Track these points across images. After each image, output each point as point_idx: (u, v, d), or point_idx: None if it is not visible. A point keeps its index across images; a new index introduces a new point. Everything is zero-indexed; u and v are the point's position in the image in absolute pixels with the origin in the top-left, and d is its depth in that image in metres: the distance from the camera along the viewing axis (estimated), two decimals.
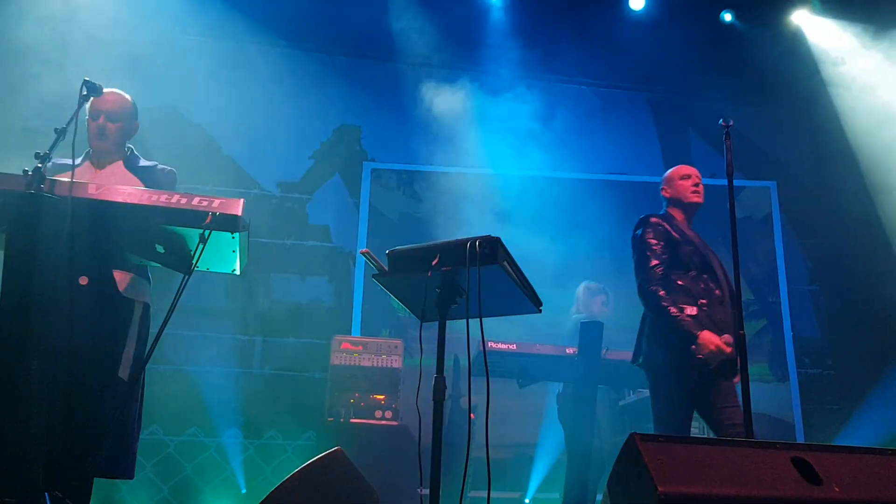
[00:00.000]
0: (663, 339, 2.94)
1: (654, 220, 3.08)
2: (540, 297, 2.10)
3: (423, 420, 1.96)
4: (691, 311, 2.88)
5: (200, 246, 2.13)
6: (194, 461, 4.84)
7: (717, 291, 2.96)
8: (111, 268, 2.36)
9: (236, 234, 2.18)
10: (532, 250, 4.62)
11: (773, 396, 5.49)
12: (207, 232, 2.11)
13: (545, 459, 4.81)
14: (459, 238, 1.95)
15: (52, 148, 2.15)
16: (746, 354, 2.68)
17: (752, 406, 2.49)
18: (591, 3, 5.59)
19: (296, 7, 5.31)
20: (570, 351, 3.81)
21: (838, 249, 5.81)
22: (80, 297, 2.15)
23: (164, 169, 2.78)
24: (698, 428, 3.81)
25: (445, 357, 2.00)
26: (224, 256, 2.32)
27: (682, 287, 2.95)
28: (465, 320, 1.95)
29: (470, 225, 5.05)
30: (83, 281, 2.15)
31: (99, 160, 2.74)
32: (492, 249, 1.90)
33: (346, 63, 5.83)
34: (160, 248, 2.27)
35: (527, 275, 2.04)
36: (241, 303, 5.32)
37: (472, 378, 2.00)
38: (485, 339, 1.91)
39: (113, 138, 2.71)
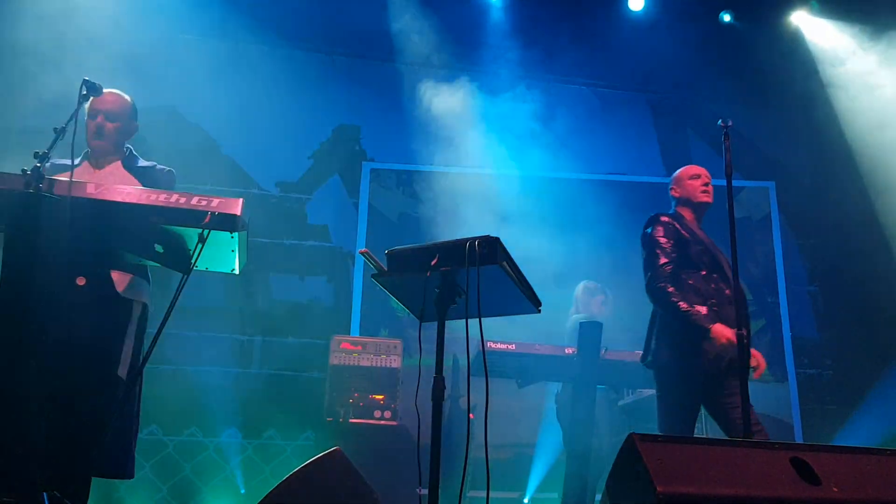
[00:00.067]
0: (671, 337, 2.93)
1: (664, 218, 3.08)
2: (539, 297, 2.10)
3: (422, 420, 1.96)
4: (702, 309, 2.87)
5: (199, 245, 2.13)
6: (193, 461, 4.84)
7: (727, 291, 2.96)
8: (110, 267, 2.36)
9: (235, 234, 2.18)
10: (531, 250, 4.62)
11: (772, 396, 5.49)
12: (206, 231, 2.11)
13: (544, 459, 4.81)
14: (458, 238, 1.95)
15: (50, 147, 2.15)
16: (745, 354, 2.68)
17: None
18: (590, 3, 5.60)
19: (295, 7, 5.31)
20: (569, 351, 3.81)
21: (837, 250, 5.81)
22: (79, 297, 2.15)
23: (162, 169, 2.78)
24: (698, 428, 3.81)
25: (444, 357, 2.00)
26: (223, 256, 2.32)
27: (692, 286, 2.94)
28: (464, 320, 1.95)
29: (469, 225, 5.05)
30: (80, 281, 2.15)
31: (97, 160, 2.73)
32: (491, 249, 1.90)
33: (345, 63, 5.83)
34: (159, 248, 2.27)
35: (526, 275, 2.04)
36: (240, 302, 5.32)
37: (471, 378, 2.00)
38: (484, 339, 1.91)
39: (111, 138, 2.70)
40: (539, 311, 2.12)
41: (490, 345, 3.62)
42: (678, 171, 3.26)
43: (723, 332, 2.78)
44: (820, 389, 5.71)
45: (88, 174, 2.69)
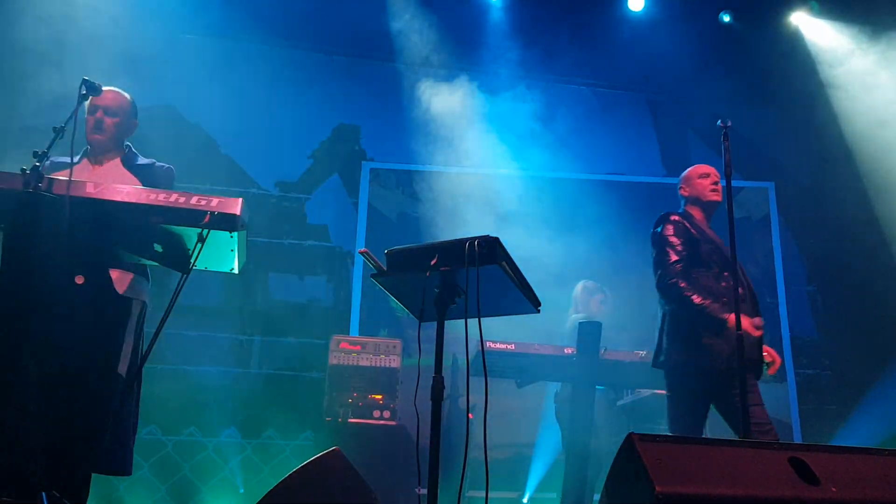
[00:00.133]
0: (683, 337, 2.92)
1: (673, 217, 3.08)
2: (539, 297, 2.10)
3: (421, 420, 1.96)
4: (715, 303, 2.85)
5: (199, 245, 2.13)
6: (192, 461, 4.83)
7: (739, 290, 2.96)
8: (109, 266, 2.36)
9: (234, 234, 2.18)
10: (531, 250, 4.62)
11: (771, 397, 5.45)
12: (206, 231, 2.11)
13: (543, 459, 4.81)
14: (458, 238, 1.95)
15: (50, 147, 2.15)
16: (744, 354, 2.69)
17: None
18: (590, 3, 5.60)
19: (295, 7, 5.31)
20: (568, 351, 3.81)
21: (836, 250, 5.81)
22: (78, 296, 2.15)
23: (162, 166, 2.78)
24: None
25: (444, 357, 2.00)
26: (222, 255, 2.32)
27: (703, 285, 2.93)
28: (463, 320, 1.95)
29: (468, 225, 5.05)
30: (80, 280, 2.15)
31: (97, 156, 2.74)
32: (490, 249, 1.90)
33: (345, 62, 5.83)
34: (158, 248, 2.27)
35: (525, 275, 2.04)
36: (240, 302, 5.32)
37: (470, 378, 2.00)
38: (483, 339, 1.91)
39: (110, 132, 2.71)
40: (538, 311, 2.12)
41: (489, 345, 3.62)
42: (687, 170, 3.26)
43: (741, 320, 2.76)
44: (819, 389, 5.71)
45: (88, 171, 2.69)
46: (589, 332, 3.70)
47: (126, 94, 2.79)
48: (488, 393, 1.88)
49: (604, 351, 3.73)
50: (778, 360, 3.02)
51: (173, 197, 2.16)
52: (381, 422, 4.05)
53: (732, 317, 2.76)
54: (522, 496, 4.82)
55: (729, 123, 2.84)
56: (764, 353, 2.99)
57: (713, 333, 2.81)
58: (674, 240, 2.99)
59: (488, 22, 5.61)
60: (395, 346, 4.26)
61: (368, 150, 5.85)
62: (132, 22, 4.78)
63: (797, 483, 1.61)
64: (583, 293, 4.62)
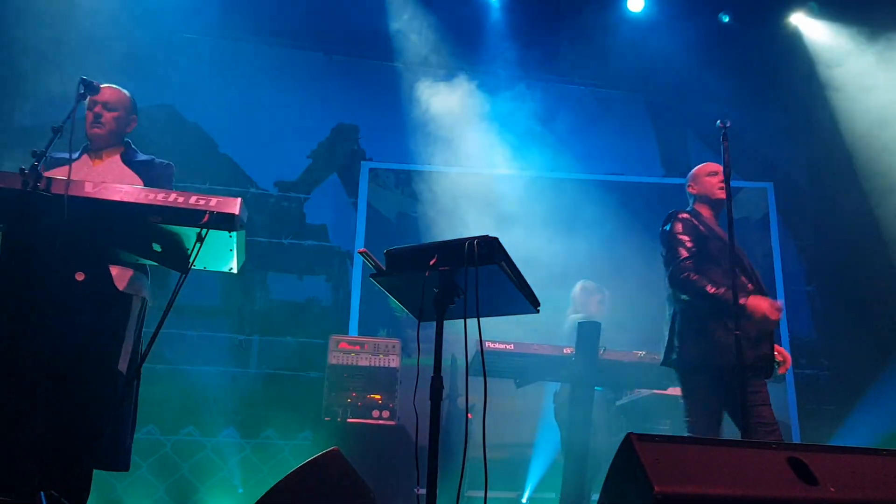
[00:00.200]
0: (695, 334, 2.91)
1: (682, 215, 3.09)
2: (538, 297, 2.10)
3: (420, 420, 1.96)
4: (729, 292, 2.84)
5: (197, 245, 2.13)
6: (191, 461, 4.83)
7: (749, 286, 2.96)
8: (108, 263, 2.36)
9: (233, 233, 2.18)
10: (530, 250, 4.62)
11: (770, 397, 5.49)
12: (205, 231, 2.11)
13: (542, 459, 4.81)
14: (457, 238, 1.95)
15: (48, 146, 2.16)
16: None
17: None
18: (589, 4, 5.60)
19: (294, 6, 5.31)
20: (567, 351, 3.81)
21: (835, 250, 5.82)
22: (78, 293, 2.15)
23: (161, 162, 2.79)
24: None
25: (443, 357, 2.00)
26: (221, 255, 2.32)
27: (714, 281, 2.93)
28: (462, 320, 1.95)
29: (468, 225, 5.05)
30: (80, 277, 2.14)
31: (96, 152, 2.75)
32: (489, 249, 1.90)
33: (344, 62, 5.83)
34: (157, 247, 2.27)
35: (524, 275, 2.04)
36: (238, 302, 5.32)
37: (469, 378, 2.00)
38: (482, 338, 1.91)
39: (109, 126, 2.72)
40: (538, 311, 2.12)
41: (488, 345, 3.62)
42: (695, 169, 3.26)
43: (758, 304, 2.75)
44: (817, 390, 5.71)
45: (87, 167, 2.70)
46: (588, 332, 3.71)
47: (125, 91, 2.81)
48: (487, 393, 1.88)
49: (603, 351, 3.73)
50: (789, 359, 3.02)
51: (172, 196, 2.16)
52: (380, 422, 4.05)
53: (751, 299, 2.76)
54: (521, 496, 4.82)
55: (728, 124, 2.85)
56: (775, 353, 2.99)
57: (725, 330, 2.80)
58: (683, 237, 3.00)
59: (487, 22, 5.61)
60: (394, 346, 4.26)
61: (367, 149, 5.85)
62: (131, 21, 4.78)
63: (796, 483, 1.61)
64: (582, 293, 4.62)
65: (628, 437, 1.63)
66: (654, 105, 6.24)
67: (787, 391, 5.59)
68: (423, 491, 1.90)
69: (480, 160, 5.51)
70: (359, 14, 5.39)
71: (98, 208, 2.13)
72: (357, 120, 5.84)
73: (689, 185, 3.25)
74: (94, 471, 2.31)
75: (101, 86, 2.53)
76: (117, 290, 2.41)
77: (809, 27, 5.61)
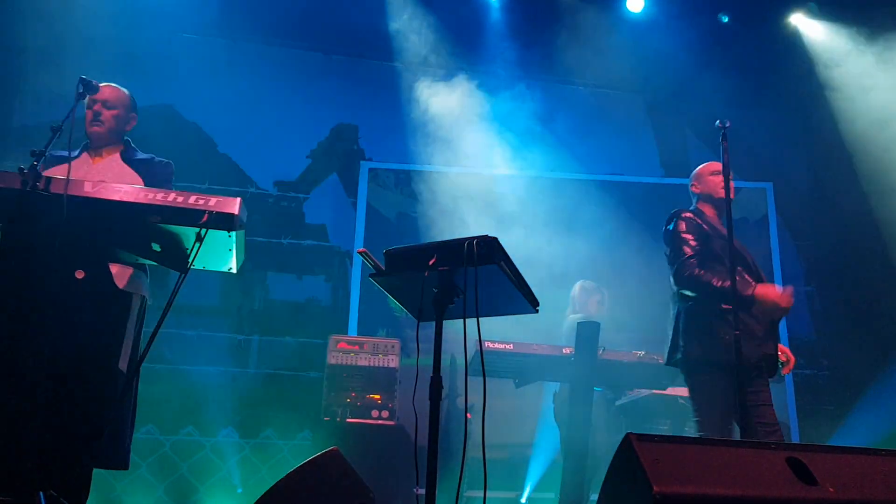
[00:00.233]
0: (700, 333, 2.90)
1: (685, 214, 3.09)
2: (538, 297, 2.10)
3: (419, 420, 1.96)
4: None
5: (197, 244, 2.13)
6: (190, 460, 4.83)
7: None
8: (108, 262, 2.36)
9: (233, 233, 2.18)
10: (530, 250, 4.62)
11: (772, 397, 5.50)
12: (204, 230, 2.11)
13: (541, 459, 4.81)
14: (457, 238, 1.95)
15: (48, 146, 2.16)
16: (742, 354, 2.68)
17: None
18: (589, 4, 5.60)
19: (293, 6, 5.31)
20: (566, 351, 3.81)
21: (834, 250, 5.82)
22: (77, 292, 2.15)
23: (161, 161, 2.80)
24: None
25: (442, 357, 2.00)
26: (220, 255, 2.32)
27: (719, 276, 2.93)
28: (462, 320, 1.95)
29: (467, 225, 5.05)
30: (80, 275, 2.14)
31: (96, 150, 2.75)
32: (489, 249, 1.90)
33: (343, 62, 5.83)
34: (156, 247, 2.27)
35: (524, 275, 2.04)
36: (238, 302, 5.33)
37: (468, 378, 2.00)
38: (482, 338, 1.91)
39: (108, 124, 2.73)
40: (537, 311, 2.12)
41: (488, 345, 3.62)
42: (699, 168, 3.27)
43: (767, 292, 2.75)
44: (816, 390, 5.72)
45: (87, 166, 2.70)
46: (587, 332, 3.70)
47: (124, 90, 2.82)
48: (487, 393, 1.88)
49: (602, 351, 3.73)
50: (793, 359, 3.01)
51: (171, 196, 2.16)
52: (380, 421, 4.05)
53: (759, 288, 2.76)
54: (521, 496, 4.83)
55: (727, 124, 2.85)
56: (779, 352, 2.99)
57: (730, 328, 2.80)
58: (687, 235, 3.01)
59: (487, 22, 5.61)
60: (393, 346, 4.26)
61: (367, 149, 5.86)
62: (131, 21, 4.78)
63: (795, 483, 1.62)
64: (581, 293, 4.62)
65: (627, 437, 1.63)
66: (653, 105, 6.24)
67: (787, 391, 5.59)
68: (422, 491, 1.90)
69: (480, 160, 5.51)
70: (358, 14, 5.39)
71: (97, 208, 2.13)
72: (357, 120, 5.84)
73: (692, 184, 3.26)
74: (94, 470, 2.31)
75: (101, 85, 2.54)
76: (117, 288, 2.41)
77: (809, 27, 5.61)
